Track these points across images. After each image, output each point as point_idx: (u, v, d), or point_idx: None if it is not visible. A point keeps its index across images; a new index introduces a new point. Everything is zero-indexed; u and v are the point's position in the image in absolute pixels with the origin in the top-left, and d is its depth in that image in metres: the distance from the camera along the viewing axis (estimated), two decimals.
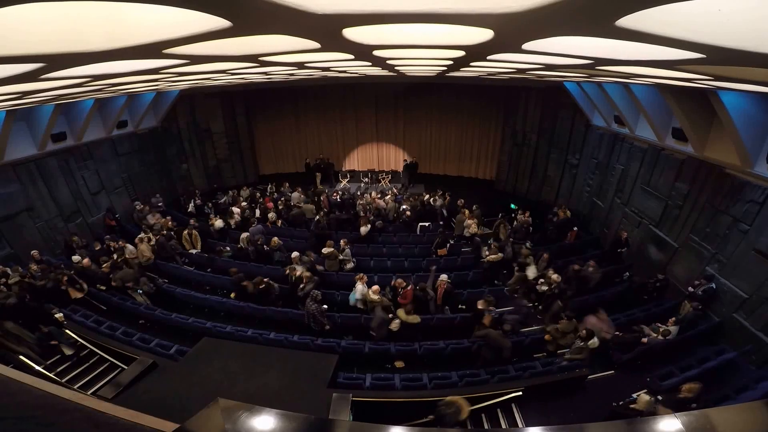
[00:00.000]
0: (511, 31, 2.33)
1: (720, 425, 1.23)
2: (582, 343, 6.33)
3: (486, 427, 5.62)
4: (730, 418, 1.35)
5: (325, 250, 9.20)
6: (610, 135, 11.28)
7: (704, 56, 2.33)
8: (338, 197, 13.65)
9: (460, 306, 8.33)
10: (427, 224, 12.22)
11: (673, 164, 8.71)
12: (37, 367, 6.18)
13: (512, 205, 13.71)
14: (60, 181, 10.76)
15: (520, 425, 5.59)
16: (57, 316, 6.92)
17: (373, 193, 14.45)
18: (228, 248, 10.44)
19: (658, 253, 9.09)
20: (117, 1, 1.70)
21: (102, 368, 6.74)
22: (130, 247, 9.38)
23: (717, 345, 6.88)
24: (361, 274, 8.03)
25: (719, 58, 2.37)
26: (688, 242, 8.20)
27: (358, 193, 15.34)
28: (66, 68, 3.04)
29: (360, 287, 7.71)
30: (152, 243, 9.89)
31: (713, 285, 7.29)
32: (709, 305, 7.36)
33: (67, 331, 7.00)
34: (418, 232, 12.02)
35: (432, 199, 13.49)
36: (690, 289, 7.57)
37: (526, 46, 2.83)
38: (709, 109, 6.94)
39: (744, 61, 2.35)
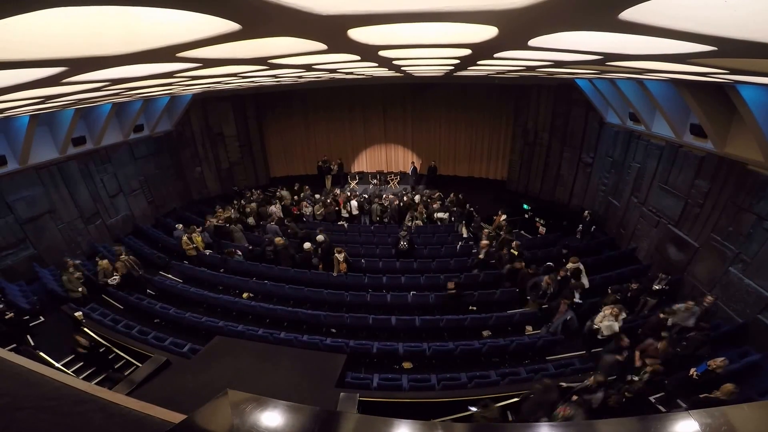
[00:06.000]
0: (516, 28, 2.32)
1: (738, 422, 1.18)
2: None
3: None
4: (749, 416, 1.30)
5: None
6: (625, 132, 11.05)
7: (715, 48, 2.28)
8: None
9: (471, 307, 8.28)
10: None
11: (692, 161, 8.48)
12: (56, 364, 6.40)
13: (525, 206, 13.55)
14: (80, 184, 11.12)
15: None
16: (76, 314, 7.14)
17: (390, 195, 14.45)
18: (239, 252, 10.60)
19: (678, 254, 8.84)
20: (133, 5, 1.76)
21: (117, 366, 6.94)
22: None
23: (741, 347, 6.65)
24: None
25: (731, 50, 2.31)
26: (709, 242, 7.96)
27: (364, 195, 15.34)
28: (86, 72, 3.16)
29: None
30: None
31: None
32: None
33: (85, 329, 7.23)
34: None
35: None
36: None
37: (532, 42, 2.80)
38: (728, 104, 6.73)
39: (758, 53, 2.28)
